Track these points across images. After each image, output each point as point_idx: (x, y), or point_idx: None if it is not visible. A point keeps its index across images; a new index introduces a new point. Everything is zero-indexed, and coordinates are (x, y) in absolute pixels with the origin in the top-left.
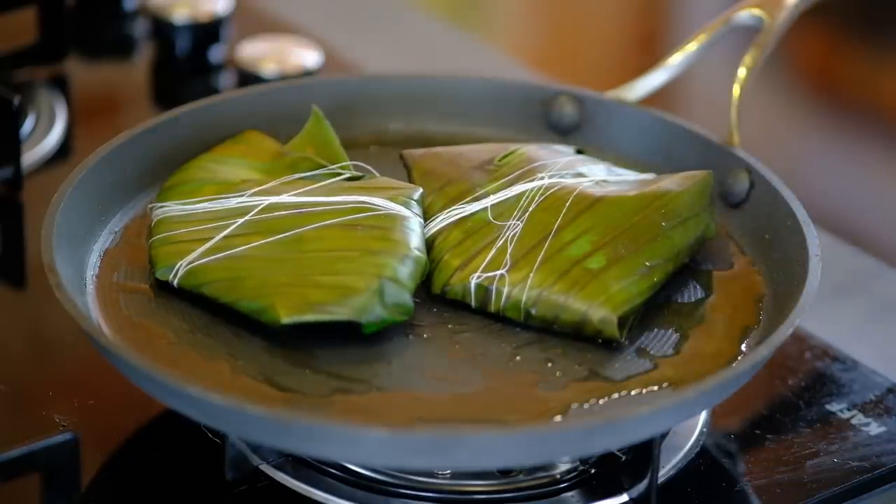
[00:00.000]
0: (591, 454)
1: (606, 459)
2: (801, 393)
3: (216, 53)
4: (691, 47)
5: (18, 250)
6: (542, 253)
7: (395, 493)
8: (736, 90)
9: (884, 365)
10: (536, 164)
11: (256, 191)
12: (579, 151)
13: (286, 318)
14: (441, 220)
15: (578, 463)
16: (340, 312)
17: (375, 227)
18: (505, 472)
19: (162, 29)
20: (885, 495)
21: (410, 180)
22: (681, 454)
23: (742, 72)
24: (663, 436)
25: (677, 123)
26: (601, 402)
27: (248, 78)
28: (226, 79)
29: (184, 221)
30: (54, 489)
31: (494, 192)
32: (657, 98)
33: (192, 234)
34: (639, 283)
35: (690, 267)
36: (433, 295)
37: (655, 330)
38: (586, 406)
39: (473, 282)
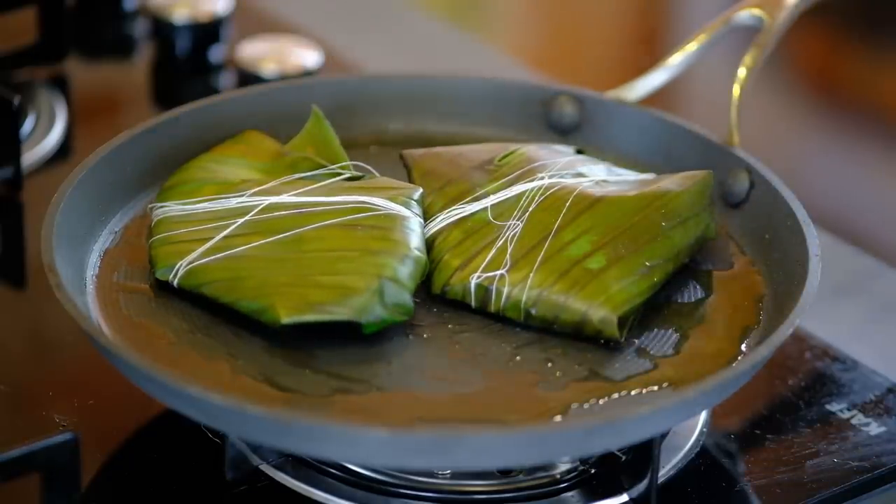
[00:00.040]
0: (591, 454)
1: (606, 459)
2: (801, 393)
3: (216, 53)
4: (691, 47)
5: (18, 250)
6: (542, 253)
7: (395, 493)
8: (736, 90)
9: (884, 365)
10: (536, 164)
11: (256, 191)
12: (579, 151)
13: (286, 318)
14: (441, 220)
15: (578, 463)
16: (340, 312)
17: (375, 227)
18: (505, 472)
19: (162, 29)
20: (885, 495)
21: (410, 180)
22: (681, 454)
23: (742, 72)
24: (663, 436)
25: (677, 123)
26: (601, 402)
27: (248, 78)
28: (226, 79)
29: (184, 221)
30: (54, 489)
31: (494, 192)
32: (657, 98)
33: (192, 234)
34: (639, 283)
35: (690, 267)
36: (433, 295)
37: (655, 330)
38: (586, 406)
39: (473, 282)
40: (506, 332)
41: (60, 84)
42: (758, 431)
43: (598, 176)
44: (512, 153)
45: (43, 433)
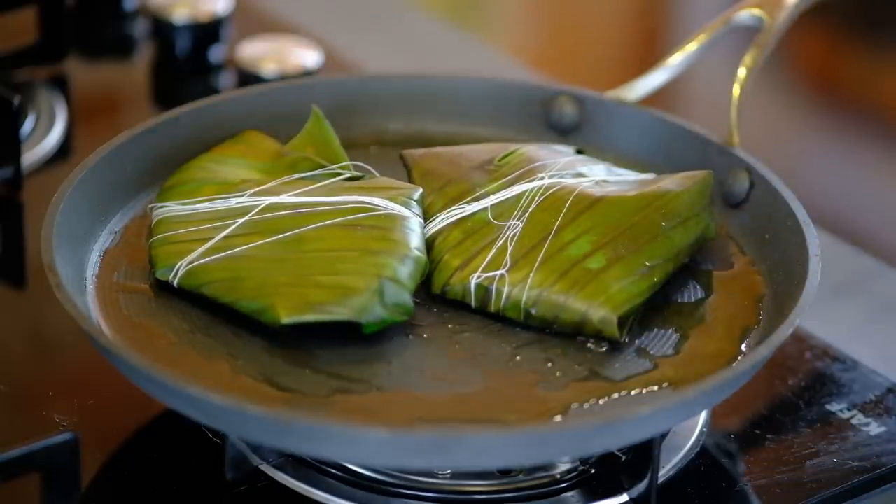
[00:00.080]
0: (591, 454)
1: (606, 459)
2: (801, 393)
3: (216, 53)
4: (691, 47)
5: (18, 250)
6: (542, 253)
7: (395, 493)
8: (736, 90)
9: (884, 365)
10: (536, 164)
11: (256, 191)
12: (579, 151)
13: (286, 318)
14: (441, 220)
15: (578, 463)
16: (340, 312)
17: (375, 227)
18: (505, 472)
19: (162, 29)
20: (885, 495)
21: (410, 180)
22: (681, 454)
23: (742, 72)
24: (663, 436)
25: (677, 123)
26: (601, 402)
27: (248, 78)
28: (226, 79)
29: (184, 221)
30: (54, 489)
31: (494, 192)
32: (657, 98)
33: (192, 234)
34: (639, 283)
35: (690, 267)
36: (433, 295)
37: (655, 330)
38: (586, 406)
39: (473, 282)
40: (506, 332)
41: (60, 84)
42: (758, 431)
43: (598, 176)
44: (512, 153)
45: (43, 433)
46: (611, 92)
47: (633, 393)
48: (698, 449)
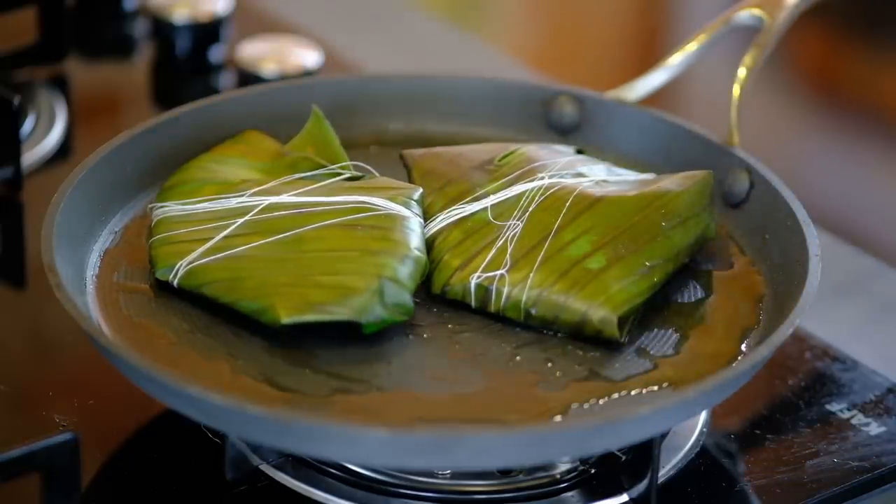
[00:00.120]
0: (591, 454)
1: (606, 459)
2: (801, 393)
3: (216, 53)
4: (691, 47)
5: (18, 250)
6: (542, 253)
7: (395, 493)
8: (736, 90)
9: (884, 365)
10: (536, 164)
11: (256, 191)
12: (579, 151)
13: (286, 318)
14: (441, 220)
15: (578, 463)
16: (340, 312)
17: (375, 227)
18: (505, 472)
19: (162, 29)
20: (885, 495)
21: (410, 180)
22: (681, 454)
23: (742, 72)
24: (663, 436)
25: (677, 123)
26: (601, 402)
27: (248, 78)
28: (226, 79)
29: (184, 221)
30: (54, 489)
31: (494, 192)
32: (657, 98)
33: (192, 234)
34: (639, 283)
35: (690, 267)
36: (433, 295)
37: (655, 330)
38: (586, 406)
39: (473, 282)
40: (506, 332)
41: (60, 84)
42: (758, 431)
43: (598, 176)
44: (512, 153)
45: (43, 433)
46: (611, 92)
47: (633, 393)
48: (698, 449)
